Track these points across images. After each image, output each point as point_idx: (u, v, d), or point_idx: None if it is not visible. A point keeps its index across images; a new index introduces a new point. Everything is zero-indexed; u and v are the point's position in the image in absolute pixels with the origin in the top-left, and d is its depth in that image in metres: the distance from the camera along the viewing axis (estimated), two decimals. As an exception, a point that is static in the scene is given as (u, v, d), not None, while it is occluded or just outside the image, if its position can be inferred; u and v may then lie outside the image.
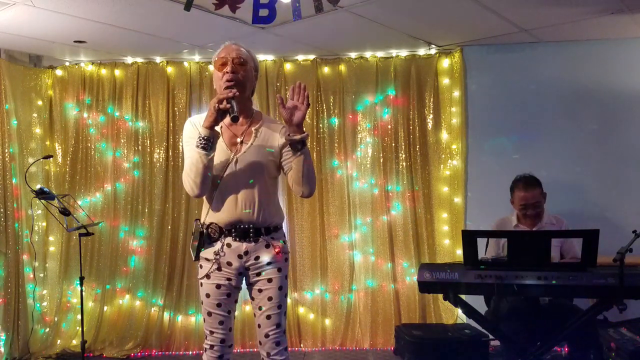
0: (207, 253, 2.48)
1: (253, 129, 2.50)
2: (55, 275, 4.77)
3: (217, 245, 2.45)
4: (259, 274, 2.46)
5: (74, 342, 4.61)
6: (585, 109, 4.48)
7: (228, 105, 2.30)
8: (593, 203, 4.38)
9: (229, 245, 2.44)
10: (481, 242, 3.14)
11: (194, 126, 2.46)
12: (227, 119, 2.40)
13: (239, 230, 2.43)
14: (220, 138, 2.45)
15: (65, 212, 3.99)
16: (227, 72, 2.40)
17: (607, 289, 2.78)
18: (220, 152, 2.45)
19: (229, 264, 2.45)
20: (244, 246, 2.44)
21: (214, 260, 2.45)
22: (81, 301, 4.07)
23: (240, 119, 2.50)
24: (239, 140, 2.47)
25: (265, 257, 2.45)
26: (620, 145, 4.43)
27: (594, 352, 3.43)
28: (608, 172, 4.42)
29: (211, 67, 2.58)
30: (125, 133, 4.84)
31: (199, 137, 2.34)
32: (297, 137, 2.38)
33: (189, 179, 2.40)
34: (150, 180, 4.80)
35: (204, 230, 2.47)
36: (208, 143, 2.33)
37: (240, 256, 2.44)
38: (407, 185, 4.70)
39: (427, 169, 4.73)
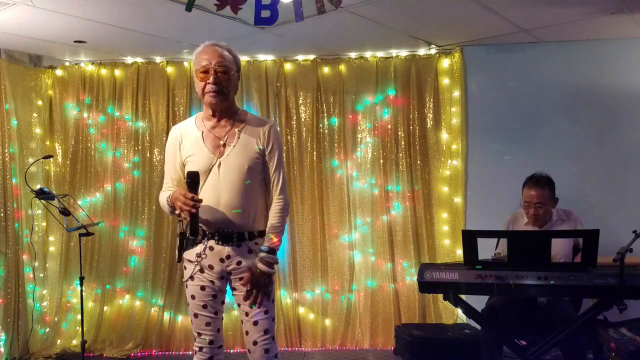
0: (190, 254, 2.47)
1: (236, 130, 2.47)
2: (55, 275, 4.77)
3: (199, 247, 2.44)
4: (241, 279, 2.44)
5: (74, 342, 4.61)
6: (585, 109, 4.48)
7: (187, 219, 2.33)
8: (593, 203, 4.38)
9: (211, 248, 2.44)
10: (482, 241, 3.13)
11: (175, 140, 2.51)
12: (210, 122, 2.46)
13: (221, 233, 2.42)
14: (203, 143, 2.45)
15: (65, 212, 3.99)
16: (209, 82, 2.39)
17: (607, 289, 2.78)
18: (204, 156, 2.44)
19: (210, 267, 2.44)
20: (226, 250, 2.42)
21: (195, 262, 2.45)
22: (81, 301, 4.07)
23: (224, 120, 2.50)
24: (221, 142, 2.45)
25: (247, 262, 2.43)
26: (620, 145, 4.43)
27: (594, 352, 3.43)
28: (608, 171, 4.42)
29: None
30: (125, 133, 4.84)
31: (169, 206, 2.44)
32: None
33: (162, 206, 2.54)
34: (150, 180, 4.80)
35: (186, 232, 2.46)
36: (174, 215, 2.45)
37: (222, 260, 2.43)
38: (407, 185, 4.70)
39: (427, 169, 4.73)
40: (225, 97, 2.42)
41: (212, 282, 2.45)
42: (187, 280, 2.49)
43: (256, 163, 2.45)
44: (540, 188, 3.58)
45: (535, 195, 3.57)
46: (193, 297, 2.47)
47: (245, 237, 2.43)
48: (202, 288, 2.45)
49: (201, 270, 2.45)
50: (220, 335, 2.51)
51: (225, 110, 2.49)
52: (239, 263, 2.43)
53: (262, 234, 2.48)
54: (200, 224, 2.42)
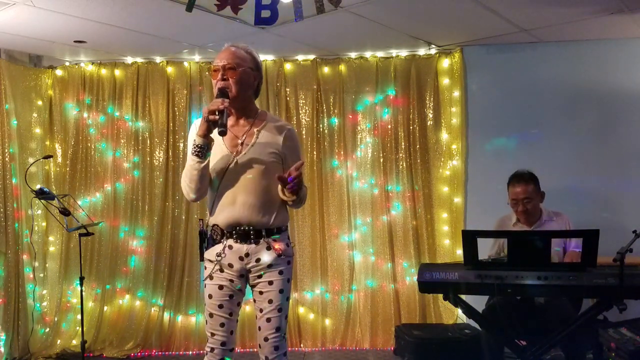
0: (210, 254, 2.49)
1: (255, 129, 2.49)
2: (55, 275, 4.77)
3: (219, 247, 2.46)
4: (259, 276, 2.46)
5: (74, 342, 4.61)
6: (585, 109, 4.48)
7: (217, 117, 2.30)
8: (593, 203, 4.38)
9: (230, 247, 2.45)
10: (482, 241, 3.13)
11: (196, 128, 2.47)
12: (229, 121, 2.42)
13: (239, 232, 2.44)
14: (222, 140, 2.46)
15: (65, 212, 3.99)
16: (218, 80, 2.40)
17: (607, 289, 2.78)
18: (221, 153, 2.46)
19: (230, 265, 2.46)
20: (244, 248, 2.44)
21: (215, 262, 2.46)
22: (81, 301, 4.07)
23: (242, 120, 2.52)
24: (239, 141, 2.47)
25: (266, 259, 2.45)
26: (621, 144, 4.42)
27: (594, 352, 3.43)
28: (608, 171, 4.42)
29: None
30: (125, 133, 4.84)
31: (193, 144, 2.38)
32: (290, 199, 2.44)
33: (185, 183, 2.47)
34: (150, 180, 4.80)
35: (207, 231, 2.49)
36: (202, 151, 2.36)
37: (241, 258, 2.45)
38: (407, 185, 4.70)
39: (427, 169, 4.73)
40: (235, 93, 2.41)
41: (231, 281, 2.46)
42: (205, 280, 2.50)
43: (273, 163, 2.48)
44: (524, 184, 3.61)
45: (521, 192, 3.60)
46: (210, 296, 2.48)
47: (262, 235, 2.45)
48: (220, 287, 2.47)
49: (220, 270, 2.46)
50: (233, 338, 2.51)
51: (243, 109, 2.51)
52: (257, 260, 2.45)
53: (280, 230, 2.50)
54: (217, 223, 2.45)
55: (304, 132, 4.77)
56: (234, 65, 2.41)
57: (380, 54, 4.75)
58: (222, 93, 2.38)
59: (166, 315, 4.72)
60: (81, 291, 4.04)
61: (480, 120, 4.64)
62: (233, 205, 2.43)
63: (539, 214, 3.67)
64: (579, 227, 3.60)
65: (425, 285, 3.10)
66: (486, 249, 3.73)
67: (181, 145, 4.78)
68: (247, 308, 4.53)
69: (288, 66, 4.79)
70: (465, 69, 4.64)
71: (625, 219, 4.16)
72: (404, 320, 4.63)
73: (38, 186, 4.30)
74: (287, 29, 3.96)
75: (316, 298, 4.73)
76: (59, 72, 4.86)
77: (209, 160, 2.41)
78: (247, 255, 2.44)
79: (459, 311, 4.35)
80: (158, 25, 4.01)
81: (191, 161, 2.39)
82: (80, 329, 4.14)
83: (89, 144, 4.85)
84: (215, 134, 2.39)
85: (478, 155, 4.64)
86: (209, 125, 2.33)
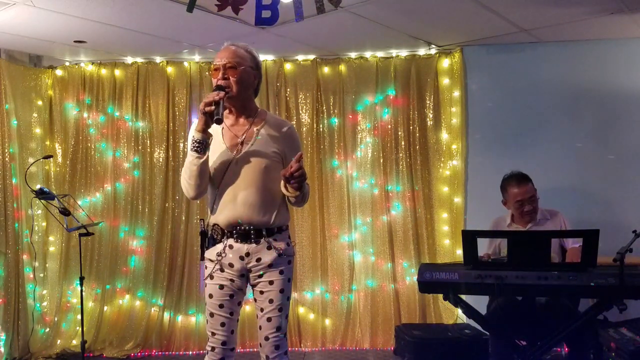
0: (211, 254, 2.49)
1: (255, 129, 2.49)
2: (55, 275, 4.77)
3: (220, 246, 2.46)
4: (260, 276, 2.46)
5: (74, 342, 4.61)
6: (585, 109, 4.48)
7: (213, 108, 2.29)
8: (593, 203, 4.38)
9: (231, 246, 2.45)
10: (481, 242, 3.13)
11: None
12: (229, 120, 2.42)
13: (239, 231, 2.43)
14: (222, 139, 2.46)
15: (65, 212, 4.00)
16: (219, 79, 2.40)
17: (607, 289, 2.78)
18: (221, 153, 2.46)
19: (231, 265, 2.45)
20: (245, 247, 2.44)
21: (216, 261, 2.46)
22: (81, 301, 4.07)
23: (242, 119, 2.52)
24: (239, 140, 2.47)
25: (266, 259, 2.45)
26: (620, 145, 4.42)
27: (593, 352, 3.43)
28: (608, 171, 4.42)
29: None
30: (125, 133, 4.84)
31: (192, 140, 2.37)
32: (294, 195, 2.42)
33: (184, 181, 2.46)
34: (150, 180, 4.80)
35: (207, 231, 2.49)
36: (200, 146, 2.36)
37: (242, 257, 2.45)
38: (407, 185, 4.71)
39: (427, 169, 4.73)
40: (236, 91, 2.41)
41: (231, 280, 2.46)
42: (206, 279, 2.50)
43: (274, 162, 2.47)
44: (526, 183, 3.63)
45: (525, 191, 3.61)
46: (211, 295, 2.48)
47: (263, 234, 2.45)
48: (221, 287, 2.47)
49: (221, 269, 2.46)
50: (233, 337, 2.51)
51: (243, 108, 2.51)
52: (258, 260, 2.45)
53: (280, 229, 2.50)
54: (217, 223, 2.46)
55: (304, 132, 4.77)
56: (234, 64, 2.41)
57: (380, 54, 4.75)
58: (218, 87, 2.38)
59: (166, 315, 4.72)
60: (81, 291, 4.05)
61: (480, 120, 4.64)
62: (233, 205, 2.43)
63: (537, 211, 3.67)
64: (579, 227, 3.59)
65: (425, 285, 3.10)
66: (482, 251, 3.73)
67: (181, 145, 4.78)
68: (247, 308, 4.54)
69: (288, 66, 4.79)
70: (465, 69, 4.64)
71: (625, 219, 4.16)
72: (404, 320, 4.64)
73: (38, 186, 4.30)
74: (287, 29, 3.96)
75: (316, 298, 4.73)
76: (59, 72, 4.86)
77: (207, 156, 2.40)
78: (247, 254, 2.44)
79: (459, 311, 4.35)
80: (158, 25, 4.01)
81: (190, 157, 2.39)
82: (80, 329, 4.14)
83: (89, 144, 4.85)
84: (213, 130, 2.39)
85: (478, 155, 4.64)
86: (206, 118, 2.32)
